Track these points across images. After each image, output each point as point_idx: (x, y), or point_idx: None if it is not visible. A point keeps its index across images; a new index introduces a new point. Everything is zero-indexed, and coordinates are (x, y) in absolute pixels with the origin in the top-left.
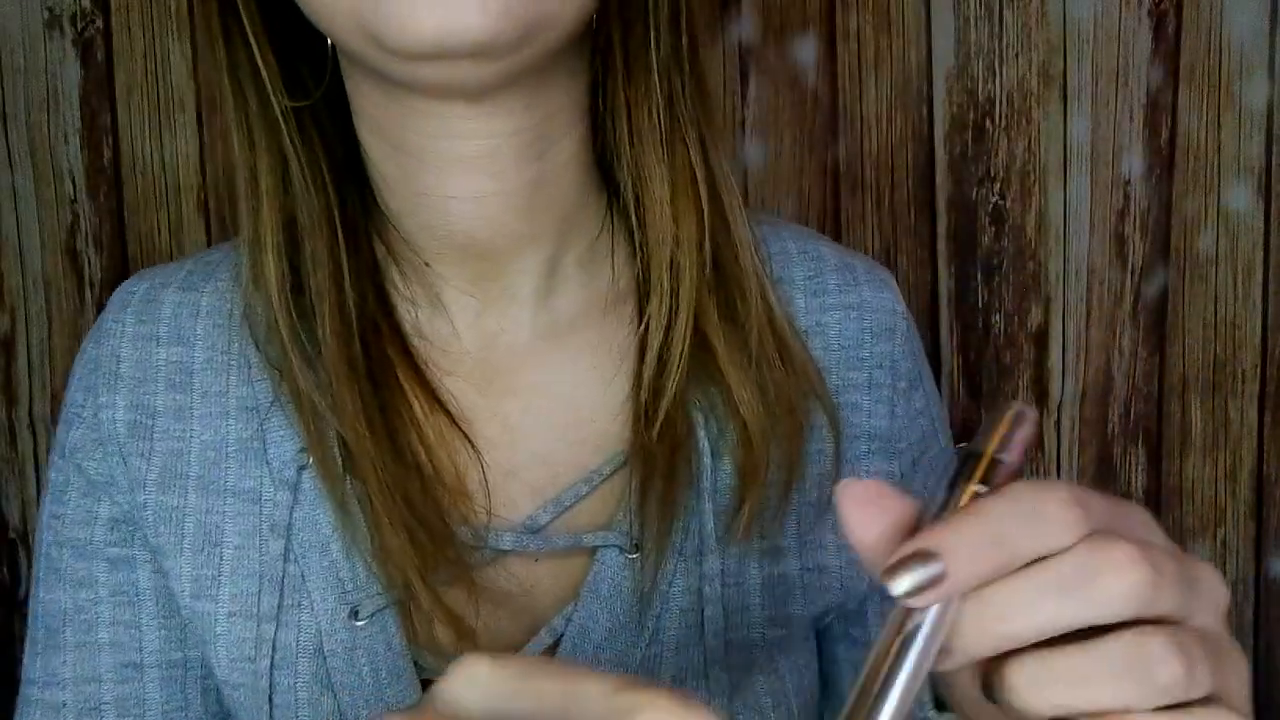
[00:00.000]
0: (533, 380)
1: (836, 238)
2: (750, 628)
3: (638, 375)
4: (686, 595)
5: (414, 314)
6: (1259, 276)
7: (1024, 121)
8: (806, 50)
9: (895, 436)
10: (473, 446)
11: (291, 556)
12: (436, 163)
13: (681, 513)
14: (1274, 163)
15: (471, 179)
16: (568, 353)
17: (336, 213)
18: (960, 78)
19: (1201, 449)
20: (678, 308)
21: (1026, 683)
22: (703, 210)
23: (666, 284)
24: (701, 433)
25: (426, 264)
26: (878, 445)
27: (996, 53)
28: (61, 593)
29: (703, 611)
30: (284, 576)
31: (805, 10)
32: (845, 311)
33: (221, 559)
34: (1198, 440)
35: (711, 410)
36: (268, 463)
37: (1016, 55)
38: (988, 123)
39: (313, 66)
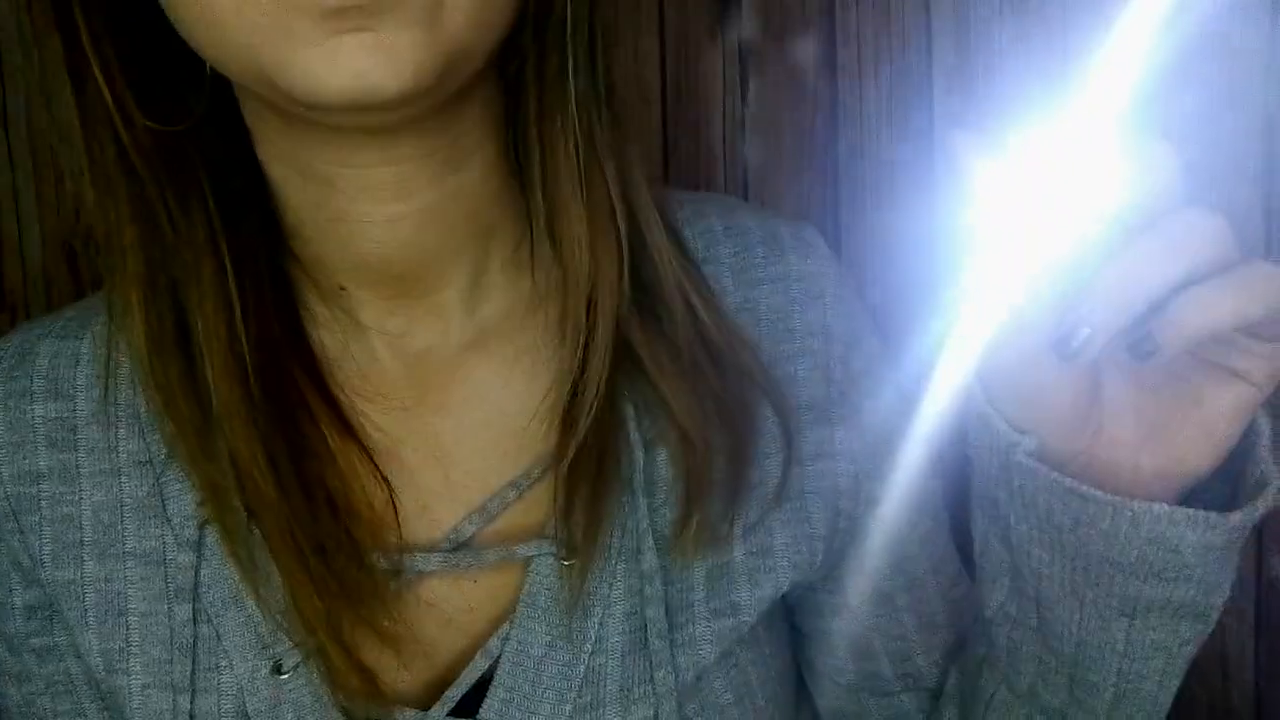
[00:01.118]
0: (462, 394)
1: (836, 238)
2: (696, 623)
3: (561, 380)
4: (628, 598)
5: (323, 339)
6: None
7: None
8: (806, 50)
9: (834, 402)
10: (382, 477)
11: (203, 618)
12: (345, 187)
13: (613, 512)
14: (1274, 163)
15: (384, 202)
16: (496, 360)
17: (224, 244)
18: (960, 77)
19: None
20: (594, 340)
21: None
22: (622, 244)
23: (584, 319)
24: (632, 425)
25: (342, 287)
26: (816, 414)
27: (997, 52)
28: (10, 686)
29: (644, 613)
30: (195, 640)
31: (805, 10)
32: (773, 284)
33: (128, 628)
34: None
35: (646, 406)
36: (168, 520)
37: (1016, 55)
38: (988, 122)
39: (192, 73)
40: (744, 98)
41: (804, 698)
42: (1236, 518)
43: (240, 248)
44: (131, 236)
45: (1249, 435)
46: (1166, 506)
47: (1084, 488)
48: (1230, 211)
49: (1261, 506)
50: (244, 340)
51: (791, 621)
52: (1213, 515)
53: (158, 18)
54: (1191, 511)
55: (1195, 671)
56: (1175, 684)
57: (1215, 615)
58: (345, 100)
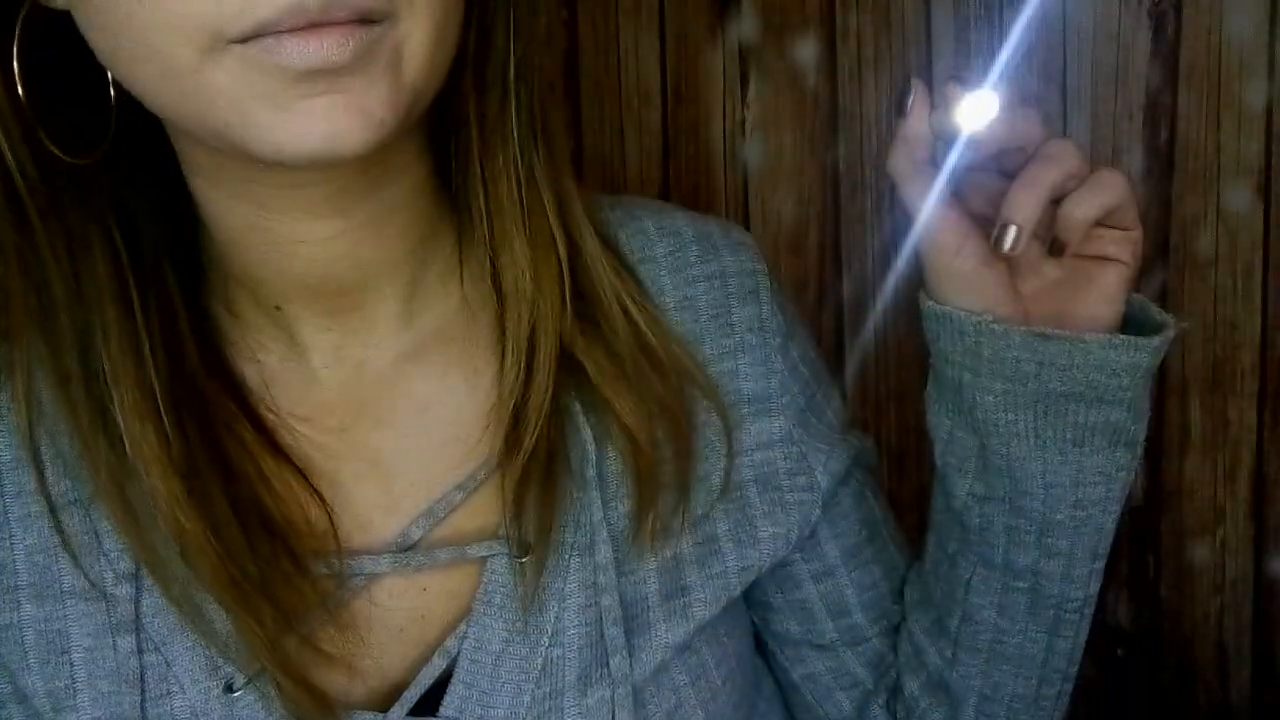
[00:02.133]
0: (402, 405)
1: (836, 238)
2: (650, 610)
3: (505, 395)
4: (583, 590)
5: (246, 365)
6: (1258, 276)
7: None
8: (806, 50)
9: (775, 393)
10: (316, 492)
11: (150, 646)
12: (279, 208)
13: (566, 508)
14: (1273, 163)
15: (318, 220)
16: (436, 369)
17: (130, 278)
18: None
19: (1200, 449)
20: (536, 360)
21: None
22: (562, 268)
23: (525, 341)
24: (581, 421)
25: (277, 307)
26: (758, 406)
27: (996, 53)
28: None
29: (599, 603)
30: (142, 671)
31: (805, 10)
32: (710, 281)
33: (73, 665)
34: (1197, 440)
35: (592, 404)
36: (105, 554)
37: (1016, 55)
38: None
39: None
40: (744, 98)
41: (762, 678)
42: (1156, 341)
43: (150, 281)
44: (16, 279)
45: (1137, 306)
46: (1106, 335)
47: (1048, 329)
48: (1230, 211)
49: (1170, 334)
50: (154, 375)
51: (765, 600)
52: (1139, 339)
53: (56, 45)
54: (1123, 336)
55: (1196, 671)
56: (1114, 514)
57: (1139, 447)
58: (312, 161)
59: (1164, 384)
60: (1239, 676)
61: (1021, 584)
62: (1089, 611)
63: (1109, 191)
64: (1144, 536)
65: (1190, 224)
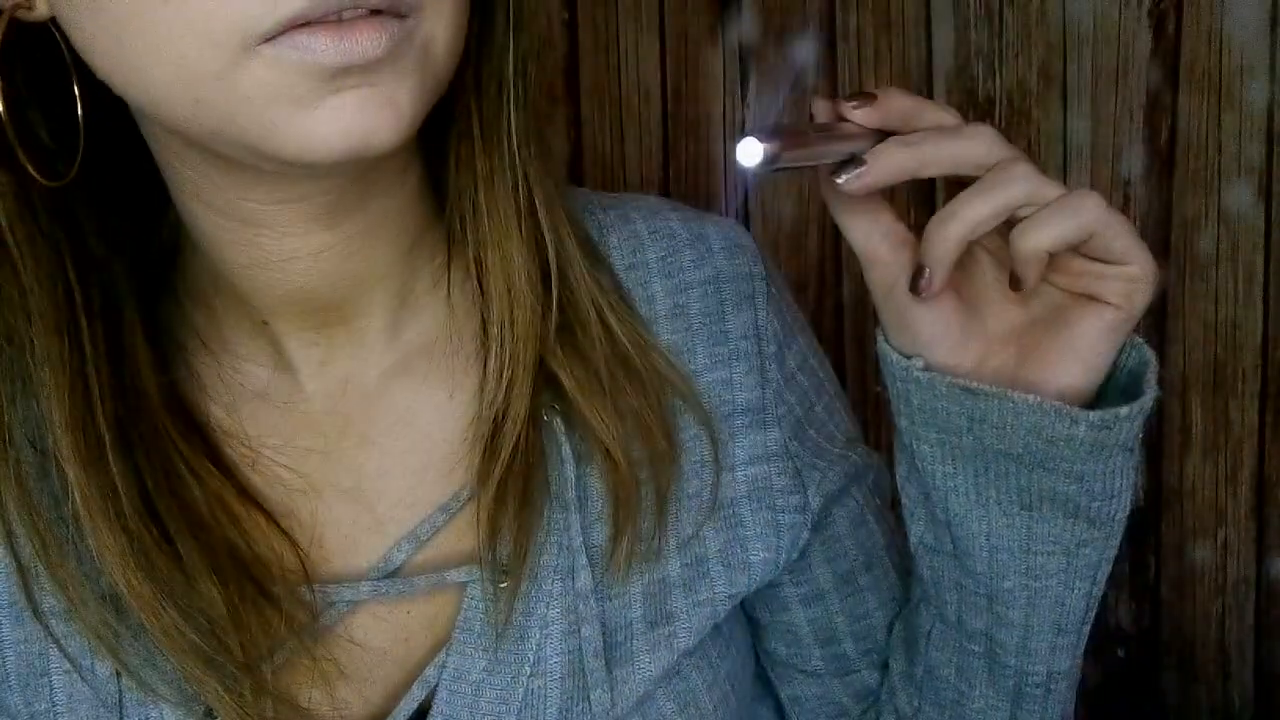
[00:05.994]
0: (387, 422)
1: (836, 238)
2: (634, 639)
3: (484, 408)
4: (565, 618)
5: (209, 401)
6: (1259, 277)
7: (1024, 121)
8: (806, 50)
9: (770, 404)
10: (287, 536)
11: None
12: (272, 224)
13: (544, 531)
14: (1274, 163)
15: (311, 235)
16: (422, 383)
17: (81, 310)
18: (960, 78)
19: (1202, 449)
20: (516, 372)
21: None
22: (550, 275)
23: (507, 351)
24: (563, 439)
25: (265, 322)
26: (752, 418)
27: (996, 53)
28: None
29: (580, 631)
30: (121, 695)
31: (805, 10)
32: (703, 287)
33: (52, 688)
34: (1198, 440)
35: (573, 422)
36: (86, 576)
37: (1016, 55)
38: (988, 123)
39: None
40: (744, 98)
41: (765, 691)
42: (1095, 415)
43: (103, 314)
44: None
45: (1135, 363)
46: (1037, 397)
47: (971, 383)
48: (1231, 211)
49: (1130, 411)
50: (103, 420)
51: (753, 616)
52: (1075, 409)
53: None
54: (1057, 404)
55: (1196, 671)
56: (1082, 590)
57: (1110, 525)
58: (343, 157)
59: (1165, 384)
60: (1240, 678)
61: (976, 648)
62: (1060, 688)
63: (1072, 217)
64: (1145, 537)
65: (1191, 224)
